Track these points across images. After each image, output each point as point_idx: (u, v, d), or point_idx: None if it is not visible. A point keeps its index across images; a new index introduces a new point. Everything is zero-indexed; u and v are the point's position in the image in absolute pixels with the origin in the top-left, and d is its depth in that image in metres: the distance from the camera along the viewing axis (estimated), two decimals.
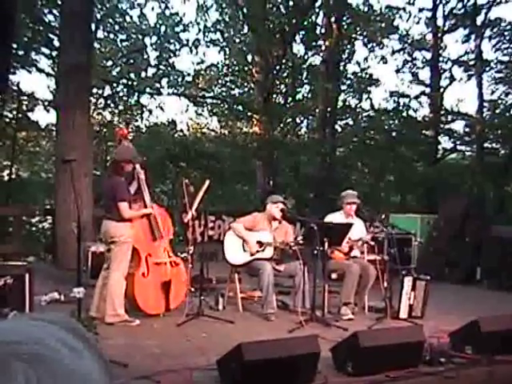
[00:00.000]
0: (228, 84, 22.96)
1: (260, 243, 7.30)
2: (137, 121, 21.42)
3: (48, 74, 16.97)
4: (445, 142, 20.53)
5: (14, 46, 12.55)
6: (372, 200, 17.65)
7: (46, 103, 17.63)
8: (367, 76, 21.97)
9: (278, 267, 7.31)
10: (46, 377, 0.55)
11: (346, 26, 20.42)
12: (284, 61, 20.43)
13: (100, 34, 17.96)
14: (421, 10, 20.22)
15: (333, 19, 19.35)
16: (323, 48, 20.20)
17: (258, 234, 7.36)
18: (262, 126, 19.55)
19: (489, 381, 5.01)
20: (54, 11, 15.15)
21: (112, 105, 20.22)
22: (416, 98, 21.14)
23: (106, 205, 6.85)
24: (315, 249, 6.79)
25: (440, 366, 4.98)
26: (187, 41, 19.03)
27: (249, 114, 21.26)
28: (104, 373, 0.61)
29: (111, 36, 18.79)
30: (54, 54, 15.01)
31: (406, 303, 7.18)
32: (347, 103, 22.46)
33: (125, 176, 6.63)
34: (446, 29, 20.09)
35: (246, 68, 21.73)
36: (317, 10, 20.10)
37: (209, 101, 22.07)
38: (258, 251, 7.27)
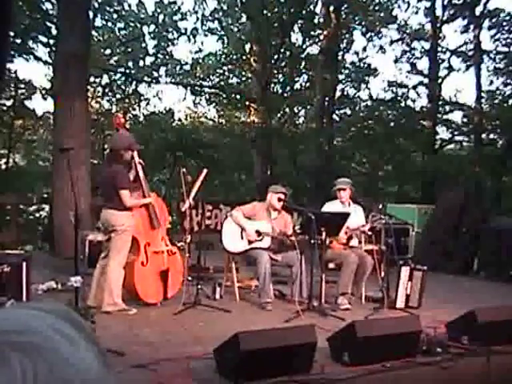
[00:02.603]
0: (226, 73, 22.92)
1: (258, 232, 7.30)
2: (134, 109, 21.38)
3: (45, 62, 16.90)
4: (443, 133, 20.60)
5: (12, 33, 12.48)
6: (370, 190, 17.68)
7: (44, 91, 17.60)
8: (365, 66, 22.00)
9: (276, 257, 7.31)
10: (41, 366, 0.54)
11: (344, 16, 20.39)
12: (282, 50, 20.40)
13: (98, 22, 17.93)
14: (420, 0, 20.22)
15: (331, 8, 19.30)
16: (321, 37, 20.16)
17: (257, 223, 7.35)
18: (260, 115, 19.52)
19: (485, 371, 5.02)
20: None
21: (110, 93, 20.19)
22: (414, 88, 21.17)
23: (106, 194, 6.74)
24: (313, 238, 6.79)
25: (437, 356, 4.98)
26: (185, 29, 19.00)
27: (247, 103, 21.22)
28: (100, 362, 0.61)
29: (109, 24, 18.72)
30: (52, 42, 14.93)
31: (402, 293, 7.18)
32: (345, 93, 22.49)
33: (123, 164, 6.59)
34: (444, 19, 20.06)
35: (244, 57, 21.66)
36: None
37: (206, 90, 22.03)
38: (255, 240, 7.27)
